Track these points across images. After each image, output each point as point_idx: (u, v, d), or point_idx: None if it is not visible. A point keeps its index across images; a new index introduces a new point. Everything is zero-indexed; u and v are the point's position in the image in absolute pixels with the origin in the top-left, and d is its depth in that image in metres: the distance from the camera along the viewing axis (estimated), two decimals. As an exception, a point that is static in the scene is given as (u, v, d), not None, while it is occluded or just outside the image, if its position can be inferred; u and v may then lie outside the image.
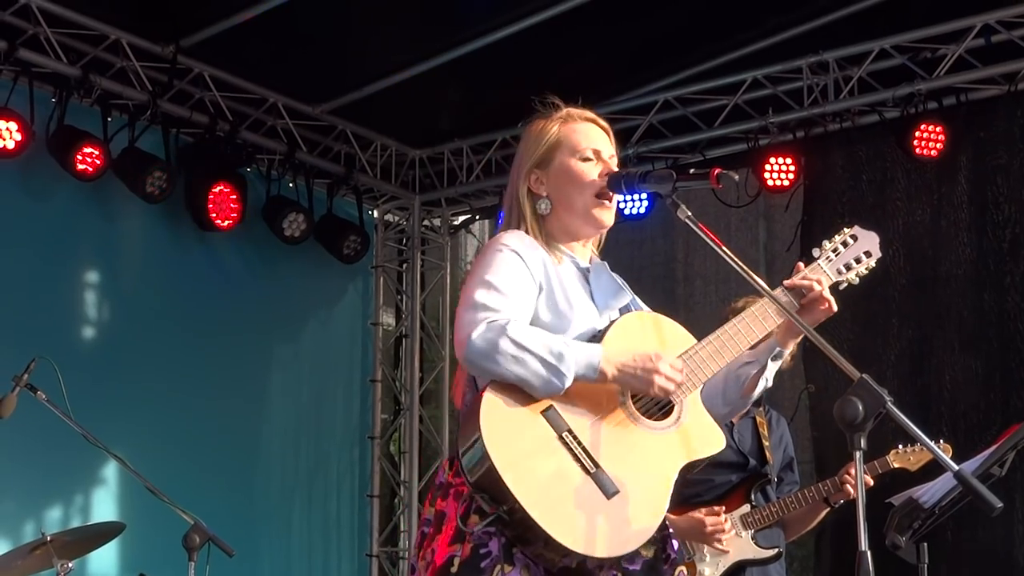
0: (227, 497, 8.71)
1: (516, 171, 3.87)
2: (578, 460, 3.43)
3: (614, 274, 3.88)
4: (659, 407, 3.60)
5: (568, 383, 3.45)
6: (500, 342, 3.42)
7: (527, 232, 3.76)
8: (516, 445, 3.40)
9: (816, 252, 3.89)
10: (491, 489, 3.38)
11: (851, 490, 5.78)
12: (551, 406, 3.47)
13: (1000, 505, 3.19)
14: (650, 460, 3.53)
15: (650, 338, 3.70)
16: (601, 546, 3.40)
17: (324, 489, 9.96)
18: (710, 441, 3.65)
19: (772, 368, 3.81)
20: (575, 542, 3.35)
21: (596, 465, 3.44)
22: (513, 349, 3.42)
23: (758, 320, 3.73)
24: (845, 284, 3.90)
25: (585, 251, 3.86)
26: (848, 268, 3.90)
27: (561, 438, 3.44)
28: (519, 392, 3.46)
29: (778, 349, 3.78)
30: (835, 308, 3.75)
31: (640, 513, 3.47)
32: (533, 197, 3.81)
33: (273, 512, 9.51)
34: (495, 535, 3.42)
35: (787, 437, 6.26)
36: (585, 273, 3.80)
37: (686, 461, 3.58)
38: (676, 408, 3.61)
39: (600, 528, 3.40)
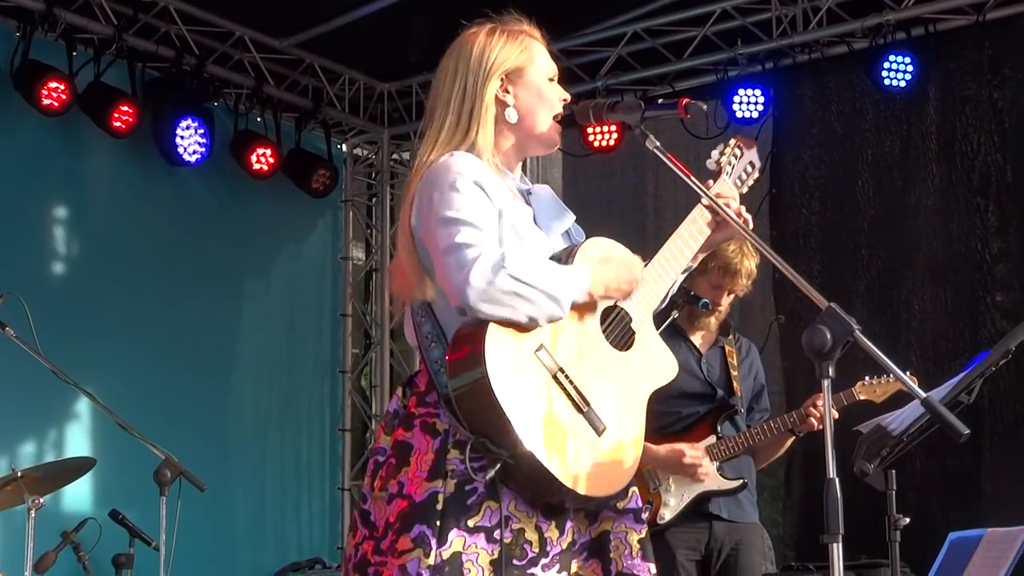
0: (198, 432, 8.70)
1: (479, 71, 3.60)
2: (571, 399, 3.38)
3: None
4: (621, 336, 3.56)
5: (567, 312, 3.40)
6: (501, 281, 3.29)
7: (483, 141, 3.57)
8: (518, 388, 3.32)
9: (714, 165, 3.89)
10: (494, 433, 3.28)
11: (815, 422, 5.78)
12: (541, 345, 3.38)
13: (967, 432, 3.20)
14: (626, 392, 3.52)
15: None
16: (597, 486, 3.39)
17: (296, 423, 9.96)
18: (669, 366, 3.65)
19: (679, 281, 3.81)
20: (578, 484, 3.33)
21: (587, 403, 3.40)
22: (518, 287, 3.30)
23: (694, 233, 3.72)
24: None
25: (517, 172, 3.74)
26: (741, 181, 3.95)
27: (555, 378, 3.37)
28: (513, 329, 3.35)
29: (687, 264, 3.77)
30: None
31: (627, 449, 3.47)
32: (500, 104, 3.62)
33: (245, 446, 9.52)
34: (479, 471, 3.32)
35: (757, 365, 6.23)
36: (525, 195, 3.67)
37: (653, 389, 3.58)
38: (636, 335, 3.58)
39: (595, 467, 3.39)
